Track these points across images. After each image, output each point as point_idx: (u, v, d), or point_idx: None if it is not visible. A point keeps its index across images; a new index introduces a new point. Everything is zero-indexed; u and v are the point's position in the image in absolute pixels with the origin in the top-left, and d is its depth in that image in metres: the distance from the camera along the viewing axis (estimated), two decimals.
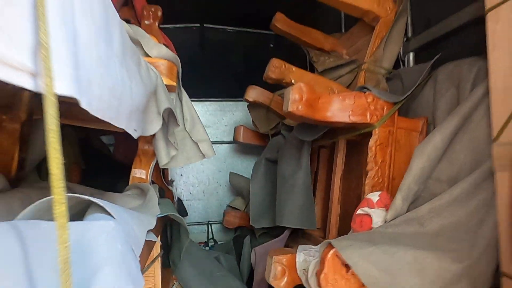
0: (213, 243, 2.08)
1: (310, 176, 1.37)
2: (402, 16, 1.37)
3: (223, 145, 2.29)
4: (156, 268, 1.02)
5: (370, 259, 0.75)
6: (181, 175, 2.26)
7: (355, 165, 1.30)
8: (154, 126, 0.90)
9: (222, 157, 2.31)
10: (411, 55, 1.38)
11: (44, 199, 0.45)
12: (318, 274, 0.83)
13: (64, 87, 0.30)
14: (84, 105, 0.36)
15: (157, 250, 1.01)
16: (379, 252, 0.75)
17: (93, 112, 0.40)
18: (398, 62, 1.41)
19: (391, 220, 0.87)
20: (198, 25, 2.35)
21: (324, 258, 0.81)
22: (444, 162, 0.88)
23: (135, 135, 0.69)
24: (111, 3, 0.53)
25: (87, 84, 0.37)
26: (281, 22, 1.68)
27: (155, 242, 0.95)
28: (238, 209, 1.99)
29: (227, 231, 2.16)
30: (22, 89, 1.07)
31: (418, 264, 0.73)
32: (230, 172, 2.11)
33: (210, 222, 2.20)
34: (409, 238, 0.80)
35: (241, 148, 2.28)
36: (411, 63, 1.38)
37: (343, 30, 1.85)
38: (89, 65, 0.38)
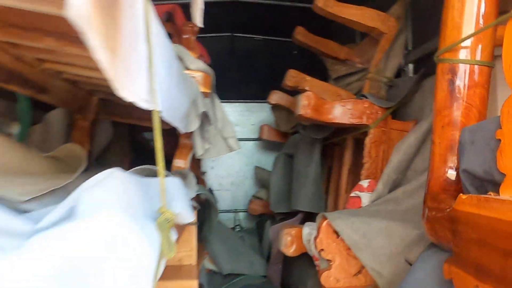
0: (239, 229, 2.38)
1: (321, 169, 1.63)
2: (403, 32, 1.60)
3: (250, 142, 2.58)
4: (193, 235, 1.31)
5: (352, 227, 1.02)
6: (212, 168, 2.57)
7: (361, 161, 1.55)
8: (194, 125, 1.20)
9: (249, 152, 2.60)
10: (411, 66, 1.61)
11: (146, 166, 0.76)
12: (315, 239, 1.10)
13: (159, 107, 0.59)
14: (163, 116, 0.65)
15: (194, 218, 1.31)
16: (359, 222, 1.02)
17: (164, 118, 0.70)
18: (401, 72, 1.65)
19: (375, 201, 1.13)
20: (229, 34, 2.65)
21: (319, 226, 1.08)
22: (418, 157, 1.13)
23: (182, 132, 0.99)
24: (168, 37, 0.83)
25: (164, 103, 0.66)
26: (301, 34, 1.95)
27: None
28: (261, 199, 2.28)
29: (251, 219, 2.45)
30: (91, 95, 1.42)
31: (388, 230, 0.98)
32: (255, 166, 2.40)
33: (236, 210, 2.50)
34: (386, 213, 1.05)
35: (266, 144, 2.57)
36: (411, 73, 1.61)
37: (357, 41, 2.09)
38: (164, 90, 0.68)
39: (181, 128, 0.97)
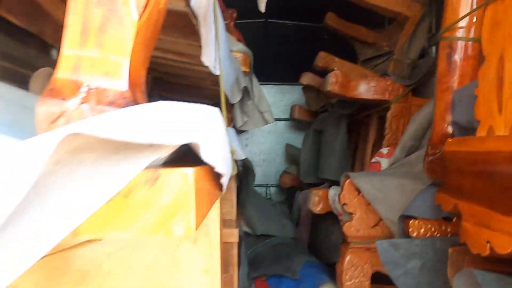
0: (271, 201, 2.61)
1: (347, 143, 1.82)
2: (427, 17, 1.75)
3: (281, 122, 2.79)
4: (233, 194, 1.54)
5: (371, 184, 1.21)
6: (246, 145, 2.80)
7: (384, 136, 1.73)
8: (236, 97, 1.42)
9: (279, 132, 2.81)
10: (434, 48, 1.75)
11: None
12: (339, 195, 1.30)
13: (220, 73, 0.81)
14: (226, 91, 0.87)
15: (233, 181, 1.54)
16: (377, 180, 1.21)
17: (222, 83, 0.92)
18: (424, 54, 1.80)
19: (392, 164, 1.31)
20: (263, 20, 2.84)
21: (343, 184, 1.28)
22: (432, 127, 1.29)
23: (230, 101, 1.21)
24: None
25: (227, 81, 0.88)
26: (331, 20, 2.12)
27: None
28: (291, 174, 2.49)
29: (281, 193, 2.67)
30: (147, 74, 1.65)
31: (402, 186, 1.17)
32: (286, 144, 2.60)
33: (268, 185, 2.72)
34: (400, 173, 1.23)
35: (295, 124, 2.76)
36: (434, 55, 1.75)
37: (385, 26, 2.23)
38: (223, 63, 0.89)
39: (229, 98, 1.19)
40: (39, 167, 0.21)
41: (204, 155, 0.32)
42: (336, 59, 1.83)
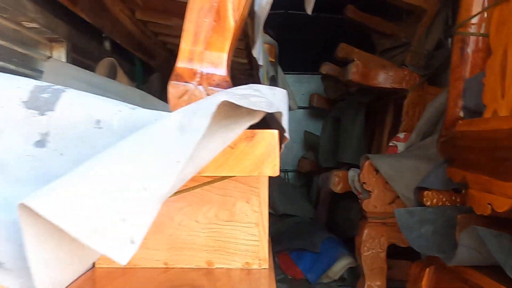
0: None
1: (364, 128, 1.95)
2: (443, 9, 1.85)
3: (300, 110, 2.92)
4: None
5: (389, 164, 1.34)
6: None
7: (399, 124, 1.85)
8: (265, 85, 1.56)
9: (297, 120, 2.94)
10: (449, 40, 1.86)
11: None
12: (359, 175, 1.43)
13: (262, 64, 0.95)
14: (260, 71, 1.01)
15: None
16: (395, 161, 1.34)
17: (261, 73, 1.06)
18: (440, 45, 1.90)
19: (408, 147, 1.44)
20: (283, 11, 2.96)
21: (363, 165, 1.42)
22: None
23: None
24: None
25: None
26: (351, 11, 2.23)
27: None
28: (309, 159, 2.63)
29: (299, 178, 2.82)
30: None
31: (416, 167, 1.30)
32: (305, 131, 2.74)
33: (287, 170, 2.87)
34: (416, 155, 1.37)
35: (313, 113, 2.90)
36: (449, 46, 1.86)
37: (403, 18, 2.33)
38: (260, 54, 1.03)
39: None
40: (207, 124, 0.35)
41: (284, 123, 0.47)
42: (356, 50, 1.95)
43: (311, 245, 1.65)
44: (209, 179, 0.53)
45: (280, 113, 0.45)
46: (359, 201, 1.49)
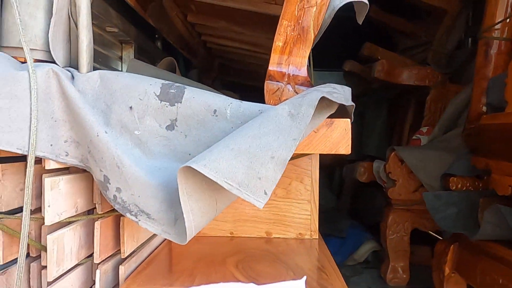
0: None
1: (386, 123, 2.07)
2: (464, 10, 1.96)
3: None
4: None
5: (413, 155, 1.47)
6: None
7: (420, 120, 1.97)
8: None
9: None
10: (470, 40, 1.97)
11: None
12: (384, 166, 1.57)
13: None
14: None
15: None
16: (418, 152, 1.47)
17: None
18: (461, 45, 2.02)
19: (431, 140, 1.57)
20: None
21: (389, 156, 1.55)
22: (467, 110, 1.54)
23: None
24: None
25: None
26: (374, 12, 2.35)
27: None
28: None
29: (321, 169, 2.94)
30: (214, 61, 1.99)
31: (439, 157, 1.43)
32: None
33: None
34: (438, 148, 1.49)
35: None
36: (469, 46, 1.98)
37: (422, 18, 2.44)
38: None
39: None
40: (312, 113, 0.49)
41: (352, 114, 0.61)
42: (380, 48, 2.07)
43: (338, 231, 1.78)
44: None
45: (352, 105, 0.59)
46: (384, 189, 1.62)
